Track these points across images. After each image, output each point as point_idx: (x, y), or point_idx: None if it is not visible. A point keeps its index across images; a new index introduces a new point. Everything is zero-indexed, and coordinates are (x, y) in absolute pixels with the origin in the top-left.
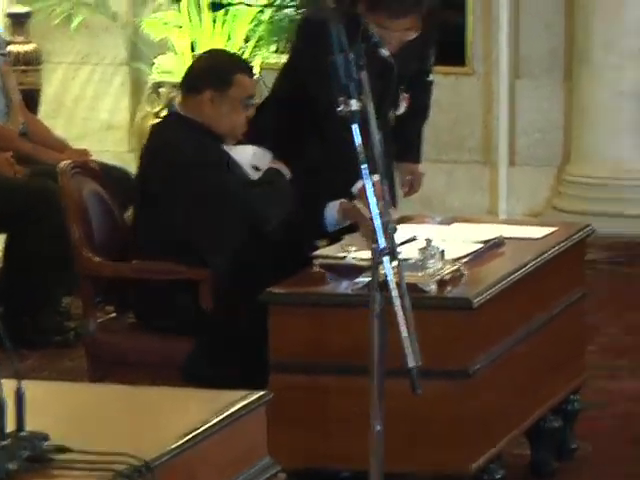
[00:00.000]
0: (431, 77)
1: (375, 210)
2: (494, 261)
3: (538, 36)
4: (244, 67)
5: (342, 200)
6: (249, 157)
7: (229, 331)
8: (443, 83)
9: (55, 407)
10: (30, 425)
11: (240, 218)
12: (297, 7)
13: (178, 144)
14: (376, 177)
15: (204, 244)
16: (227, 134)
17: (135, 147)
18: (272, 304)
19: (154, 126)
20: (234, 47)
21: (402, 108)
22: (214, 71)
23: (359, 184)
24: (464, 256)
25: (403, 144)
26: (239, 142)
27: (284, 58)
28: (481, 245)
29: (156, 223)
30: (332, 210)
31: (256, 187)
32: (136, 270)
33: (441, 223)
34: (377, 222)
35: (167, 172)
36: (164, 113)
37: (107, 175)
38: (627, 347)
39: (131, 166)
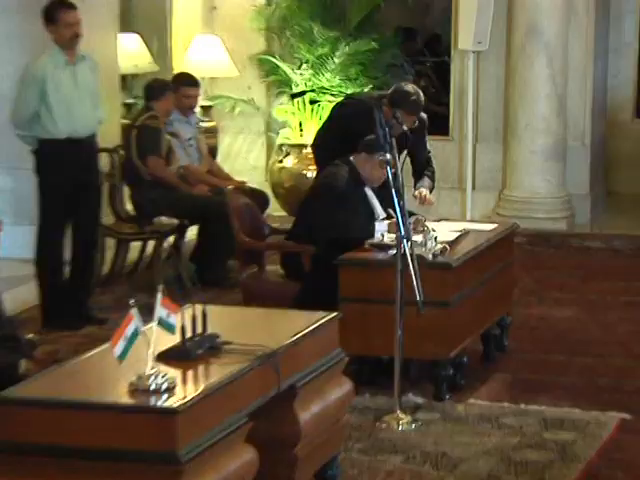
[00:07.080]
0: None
1: (399, 215)
2: (464, 243)
3: (491, 112)
4: (385, 151)
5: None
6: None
7: (318, 282)
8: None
9: (223, 320)
10: (209, 330)
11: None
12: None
13: (333, 179)
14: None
15: (321, 235)
16: (368, 182)
17: (269, 180)
18: (342, 265)
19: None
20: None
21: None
22: (371, 142)
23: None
24: (447, 240)
25: (419, 179)
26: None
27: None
28: (457, 233)
29: (303, 220)
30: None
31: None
32: (266, 245)
33: (434, 221)
34: (400, 220)
35: (317, 190)
36: (285, 162)
37: (253, 194)
38: (535, 289)
39: (265, 190)
